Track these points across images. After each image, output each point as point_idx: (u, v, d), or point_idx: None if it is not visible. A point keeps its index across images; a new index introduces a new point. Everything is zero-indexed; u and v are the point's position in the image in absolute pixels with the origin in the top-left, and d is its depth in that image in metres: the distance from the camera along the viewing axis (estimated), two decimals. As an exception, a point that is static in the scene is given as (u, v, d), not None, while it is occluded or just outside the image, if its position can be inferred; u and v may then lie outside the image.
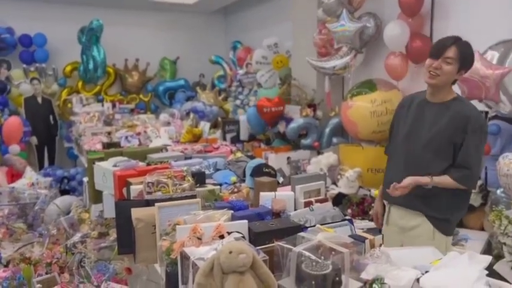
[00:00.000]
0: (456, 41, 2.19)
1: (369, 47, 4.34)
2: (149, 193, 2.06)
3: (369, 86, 4.00)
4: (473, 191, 3.15)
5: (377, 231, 1.82)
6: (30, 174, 4.52)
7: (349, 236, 1.63)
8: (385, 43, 4.02)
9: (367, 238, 1.62)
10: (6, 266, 2.60)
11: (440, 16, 3.84)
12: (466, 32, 3.61)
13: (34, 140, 6.67)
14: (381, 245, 1.63)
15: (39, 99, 6.88)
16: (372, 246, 1.62)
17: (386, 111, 3.77)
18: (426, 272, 1.35)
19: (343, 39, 4.17)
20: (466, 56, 2.18)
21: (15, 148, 5.46)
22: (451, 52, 2.15)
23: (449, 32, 3.76)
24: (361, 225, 2.82)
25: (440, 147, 2.20)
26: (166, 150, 3.43)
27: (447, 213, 2.24)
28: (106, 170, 2.69)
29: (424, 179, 2.18)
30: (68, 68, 7.42)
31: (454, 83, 2.27)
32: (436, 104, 2.26)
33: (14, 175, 4.93)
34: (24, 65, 7.09)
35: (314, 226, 1.69)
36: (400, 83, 4.06)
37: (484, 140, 2.20)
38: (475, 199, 3.18)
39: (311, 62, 4.47)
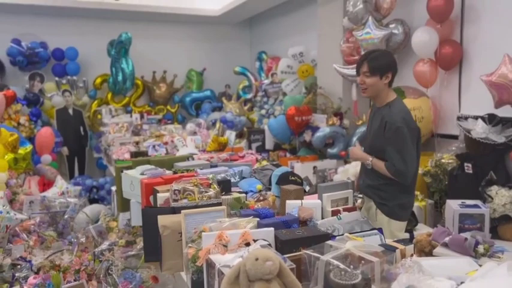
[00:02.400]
0: (367, 56, 2.55)
1: (398, 54, 4.27)
2: (175, 200, 2.07)
3: (398, 93, 3.90)
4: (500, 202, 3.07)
5: (407, 241, 1.75)
6: (60, 183, 4.62)
7: (379, 245, 1.58)
8: (414, 50, 3.94)
9: (397, 248, 1.57)
10: (36, 272, 2.66)
11: (471, 21, 3.75)
12: (498, 37, 3.54)
13: (65, 150, 6.84)
14: (412, 255, 1.58)
15: (71, 111, 7.07)
16: (403, 256, 1.56)
17: (416, 118, 3.68)
18: (462, 283, 1.28)
19: (369, 47, 4.12)
20: (379, 64, 2.49)
21: (47, 158, 5.61)
22: (365, 67, 2.51)
23: (480, 37, 3.70)
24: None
25: (376, 148, 2.55)
26: (193, 158, 3.44)
27: (385, 200, 2.59)
28: (133, 178, 2.72)
29: (366, 157, 2.60)
30: (98, 80, 7.62)
31: (390, 85, 2.57)
32: (379, 108, 2.59)
33: (46, 184, 5.06)
34: (57, 78, 7.32)
35: (342, 235, 1.65)
36: (429, 90, 3.97)
37: (404, 141, 2.42)
38: (511, 209, 3.05)
39: (339, 69, 4.43)
